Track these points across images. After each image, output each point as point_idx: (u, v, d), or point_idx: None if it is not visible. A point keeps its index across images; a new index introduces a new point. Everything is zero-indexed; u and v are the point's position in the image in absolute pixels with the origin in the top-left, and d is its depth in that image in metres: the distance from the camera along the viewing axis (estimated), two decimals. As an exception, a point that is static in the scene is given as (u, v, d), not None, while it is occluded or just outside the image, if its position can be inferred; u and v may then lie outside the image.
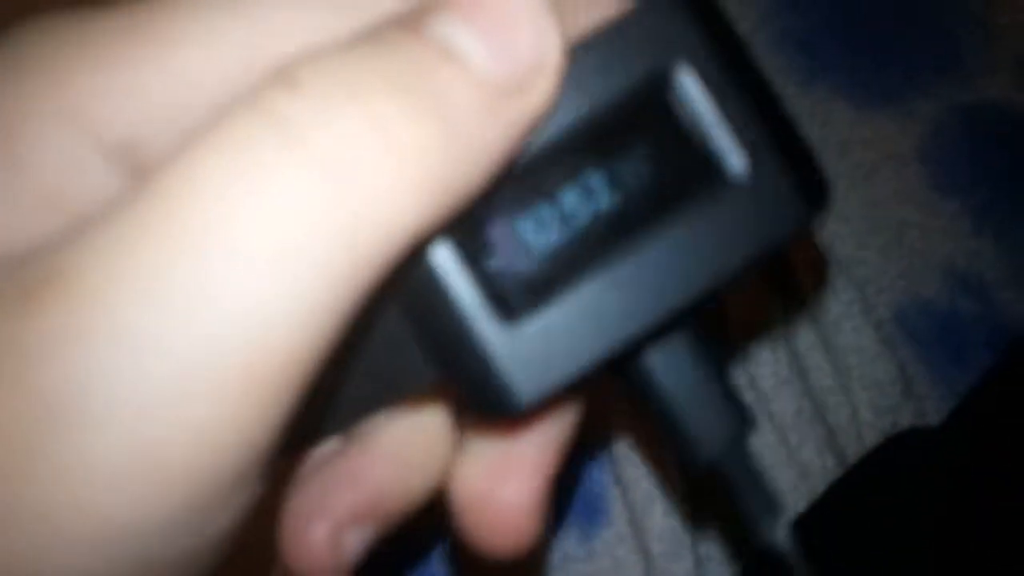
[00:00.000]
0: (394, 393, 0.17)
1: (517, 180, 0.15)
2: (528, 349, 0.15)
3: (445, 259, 0.15)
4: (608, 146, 0.16)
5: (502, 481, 0.17)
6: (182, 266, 0.11)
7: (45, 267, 0.11)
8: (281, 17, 0.13)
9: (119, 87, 0.13)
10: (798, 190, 0.16)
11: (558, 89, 0.14)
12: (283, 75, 0.12)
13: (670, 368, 0.17)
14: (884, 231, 0.44)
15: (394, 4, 0.13)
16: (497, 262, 0.15)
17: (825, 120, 0.47)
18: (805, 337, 0.41)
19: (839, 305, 0.41)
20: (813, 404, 0.41)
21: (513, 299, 0.15)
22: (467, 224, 0.15)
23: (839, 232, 0.44)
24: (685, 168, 0.16)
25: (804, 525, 0.37)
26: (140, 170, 0.13)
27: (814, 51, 0.48)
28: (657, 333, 0.16)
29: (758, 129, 0.16)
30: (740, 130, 0.15)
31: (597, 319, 0.15)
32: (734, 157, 0.16)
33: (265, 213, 0.11)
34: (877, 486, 0.37)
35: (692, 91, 0.16)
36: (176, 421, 0.11)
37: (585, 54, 0.15)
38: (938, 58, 0.48)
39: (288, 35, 0.13)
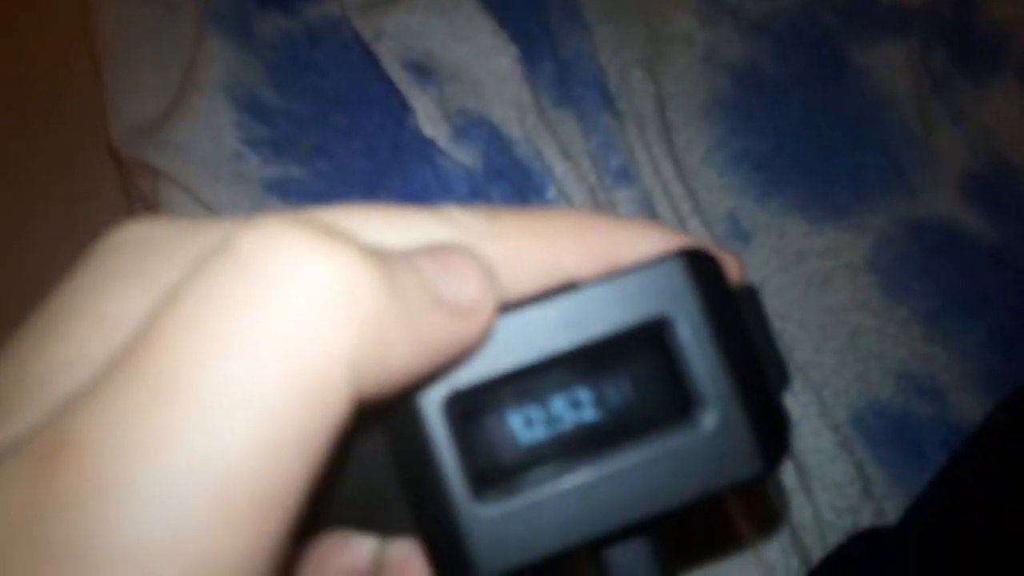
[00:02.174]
0: (389, 524, 0.20)
1: (518, 380, 0.18)
2: (495, 530, 0.18)
3: (440, 429, 0.18)
4: (601, 370, 0.19)
5: None
6: (159, 420, 0.13)
7: (55, 433, 0.14)
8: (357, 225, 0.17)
9: None
10: (758, 446, 0.18)
11: (487, 333, 0.18)
12: (258, 227, 0.15)
13: (625, 568, 0.20)
14: (840, 336, 0.48)
15: (446, 234, 0.18)
16: (486, 446, 0.18)
17: (781, 232, 0.52)
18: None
19: (797, 407, 0.44)
20: (776, 504, 0.43)
21: (491, 481, 0.18)
22: (465, 404, 0.18)
23: (797, 336, 0.48)
24: (663, 405, 0.19)
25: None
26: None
27: (769, 169, 0.53)
28: (612, 538, 0.19)
29: (732, 390, 0.18)
30: (716, 388, 0.18)
31: (561, 517, 0.18)
32: (707, 409, 0.18)
33: (226, 361, 0.14)
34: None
35: (681, 344, 0.19)
36: (175, 560, 0.13)
37: (599, 289, 0.18)
38: (883, 175, 0.53)
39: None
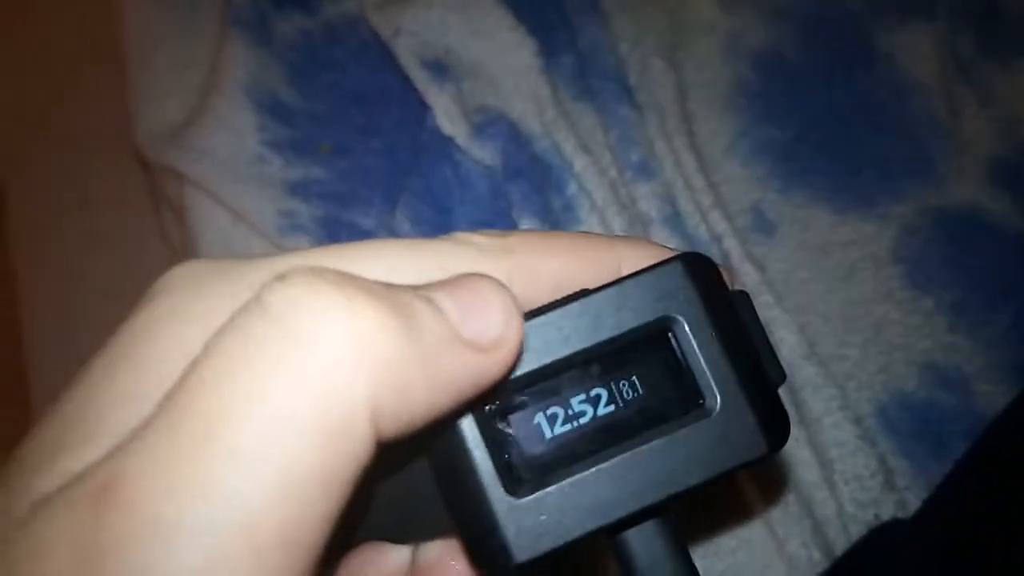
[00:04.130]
0: (421, 531, 0.23)
1: (541, 381, 0.21)
2: (527, 519, 0.20)
3: (472, 435, 0.20)
4: (615, 367, 0.21)
5: None
6: (196, 467, 0.15)
7: (105, 474, 0.16)
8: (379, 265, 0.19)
9: None
10: (760, 430, 0.21)
11: (514, 362, 0.19)
12: (283, 282, 0.17)
13: (645, 547, 0.22)
14: (864, 329, 0.50)
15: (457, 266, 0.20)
16: (515, 444, 0.21)
17: (806, 224, 0.53)
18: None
19: (820, 402, 0.46)
20: (799, 499, 0.45)
21: (522, 475, 0.20)
22: (496, 411, 0.20)
23: (820, 331, 0.50)
24: (671, 396, 0.21)
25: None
26: None
27: (792, 159, 0.55)
28: (632, 521, 0.21)
29: (734, 378, 0.21)
30: (720, 377, 0.21)
31: (585, 503, 0.20)
32: (710, 398, 0.21)
33: (254, 412, 0.16)
34: (861, 576, 0.41)
35: (685, 342, 0.21)
36: None
37: (609, 294, 0.21)
38: (909, 163, 0.54)
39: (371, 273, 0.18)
